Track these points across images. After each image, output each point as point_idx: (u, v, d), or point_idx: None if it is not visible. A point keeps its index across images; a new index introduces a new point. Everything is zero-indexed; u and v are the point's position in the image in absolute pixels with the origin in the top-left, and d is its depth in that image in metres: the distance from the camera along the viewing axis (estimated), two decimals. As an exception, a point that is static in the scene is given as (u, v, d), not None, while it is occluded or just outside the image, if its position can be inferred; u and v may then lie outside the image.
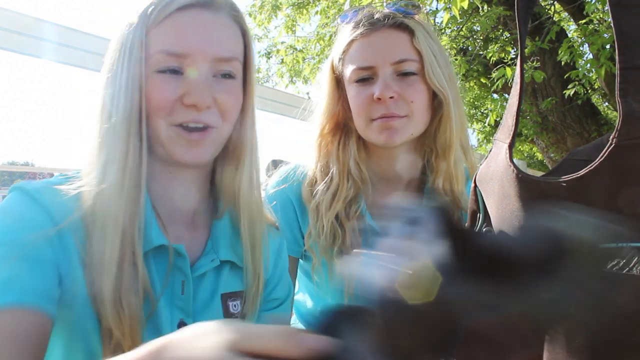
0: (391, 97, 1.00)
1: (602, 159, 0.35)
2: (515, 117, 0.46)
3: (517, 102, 0.46)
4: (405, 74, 1.02)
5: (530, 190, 0.40)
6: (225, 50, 0.71)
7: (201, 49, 0.68)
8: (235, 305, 0.78)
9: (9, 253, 0.61)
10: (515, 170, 0.42)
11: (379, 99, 1.00)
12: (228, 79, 0.73)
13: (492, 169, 0.47)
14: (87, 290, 0.66)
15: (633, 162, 0.35)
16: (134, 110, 0.68)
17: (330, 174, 1.10)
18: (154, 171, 0.74)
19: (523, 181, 0.41)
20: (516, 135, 0.46)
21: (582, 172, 0.36)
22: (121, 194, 0.67)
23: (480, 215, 0.50)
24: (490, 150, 0.49)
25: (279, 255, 0.88)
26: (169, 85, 0.68)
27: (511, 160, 0.44)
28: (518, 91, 0.46)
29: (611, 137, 0.35)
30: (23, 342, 0.58)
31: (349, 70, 1.06)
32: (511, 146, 0.46)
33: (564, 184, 0.37)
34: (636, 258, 0.34)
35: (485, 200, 0.49)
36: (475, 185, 0.51)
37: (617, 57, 0.36)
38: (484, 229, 0.48)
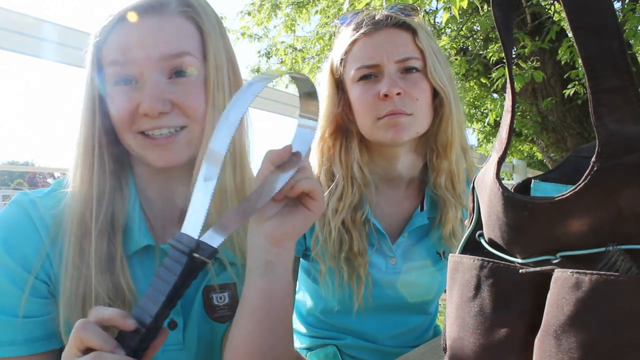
0: (398, 94, 1.00)
1: (585, 181, 0.36)
2: (508, 130, 0.46)
3: (509, 116, 0.46)
4: (408, 71, 1.03)
5: (516, 209, 0.40)
6: (171, 47, 0.69)
7: (144, 54, 0.68)
8: (220, 297, 0.78)
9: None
10: (500, 189, 0.42)
11: (386, 95, 1.00)
12: (183, 78, 0.71)
13: (486, 177, 0.47)
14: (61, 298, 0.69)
15: (616, 183, 0.35)
16: (95, 125, 0.72)
17: (335, 180, 1.10)
18: (141, 174, 0.78)
19: (509, 200, 0.41)
20: (508, 149, 0.46)
21: (567, 193, 0.37)
22: (88, 200, 0.71)
23: (474, 217, 0.50)
24: (490, 156, 0.49)
25: None
26: (124, 97, 0.70)
27: (497, 178, 0.44)
28: (511, 105, 0.46)
29: (592, 159, 0.35)
30: None
31: (352, 70, 1.06)
32: (500, 161, 0.46)
33: (550, 205, 0.38)
34: (621, 258, 0.35)
35: (480, 204, 0.49)
36: (474, 187, 0.51)
37: (587, 82, 0.36)
38: (477, 234, 0.48)
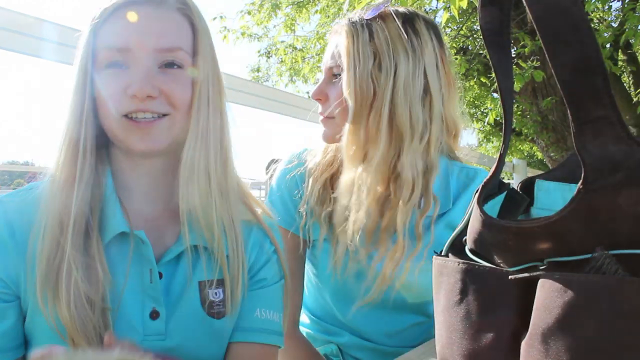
0: None
1: (573, 204, 0.36)
2: (498, 161, 0.45)
3: (504, 145, 0.45)
4: None
5: (501, 233, 0.40)
6: (167, 41, 0.73)
7: (141, 41, 0.72)
8: (216, 293, 0.79)
9: None
10: (482, 216, 0.42)
11: None
12: (174, 69, 0.74)
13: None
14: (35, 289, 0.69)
15: (602, 203, 0.35)
16: (84, 109, 0.73)
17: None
18: (118, 163, 0.79)
19: (492, 225, 0.41)
20: (493, 177, 0.46)
21: (554, 216, 0.37)
22: (62, 191, 0.71)
23: (465, 220, 0.48)
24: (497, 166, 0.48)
25: (262, 248, 0.88)
26: (114, 79, 0.72)
27: (479, 204, 0.43)
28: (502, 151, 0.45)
29: (579, 184, 0.35)
30: None
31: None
32: (486, 184, 0.46)
33: (537, 227, 0.37)
34: (607, 261, 0.35)
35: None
36: (477, 191, 0.50)
37: (571, 116, 0.36)
38: (463, 239, 0.48)
